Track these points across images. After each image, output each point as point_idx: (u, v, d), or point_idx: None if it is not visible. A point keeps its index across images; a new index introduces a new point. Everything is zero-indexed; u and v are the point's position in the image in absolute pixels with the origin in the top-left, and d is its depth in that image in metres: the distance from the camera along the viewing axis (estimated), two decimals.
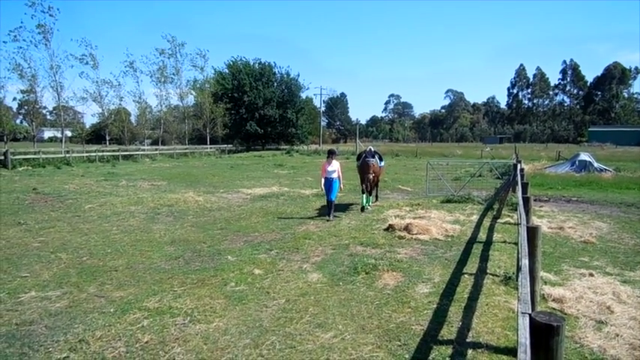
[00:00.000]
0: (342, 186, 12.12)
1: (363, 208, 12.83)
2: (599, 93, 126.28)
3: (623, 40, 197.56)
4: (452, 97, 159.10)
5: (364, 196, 12.97)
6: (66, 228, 10.29)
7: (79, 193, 16.15)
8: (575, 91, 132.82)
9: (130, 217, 11.59)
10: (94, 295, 6.01)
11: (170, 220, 11.41)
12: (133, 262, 7.58)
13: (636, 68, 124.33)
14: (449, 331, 4.93)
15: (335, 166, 11.64)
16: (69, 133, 59.96)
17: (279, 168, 30.47)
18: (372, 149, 13.34)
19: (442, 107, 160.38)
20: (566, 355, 4.33)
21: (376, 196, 14.52)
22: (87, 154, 36.79)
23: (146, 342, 4.65)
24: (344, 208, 13.19)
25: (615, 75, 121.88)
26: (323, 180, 11.72)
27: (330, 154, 11.86)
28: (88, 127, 64.23)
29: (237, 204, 14.09)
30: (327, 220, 11.24)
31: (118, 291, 6.19)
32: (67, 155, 34.17)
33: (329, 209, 11.64)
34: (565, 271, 7.14)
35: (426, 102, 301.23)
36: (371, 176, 12.44)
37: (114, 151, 40.58)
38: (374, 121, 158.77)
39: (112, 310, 5.49)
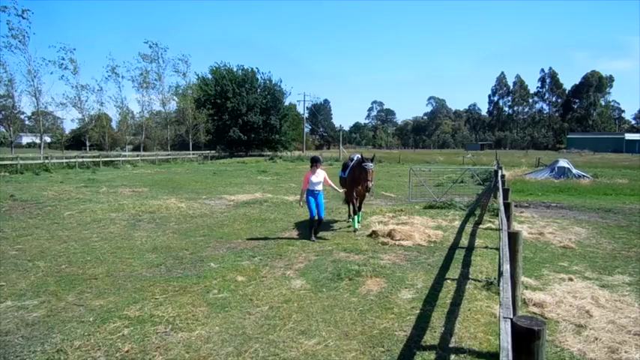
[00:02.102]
0: (342, 193, 11.08)
1: (352, 226, 11.11)
2: (577, 101, 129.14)
3: (601, 49, 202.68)
4: (434, 104, 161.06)
5: (355, 217, 11.06)
6: (44, 235, 10.08)
7: (58, 199, 15.86)
8: (554, 99, 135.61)
9: (110, 224, 11.41)
10: (72, 304, 5.89)
11: (152, 227, 11.27)
12: (113, 270, 7.46)
13: (610, 77, 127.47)
14: (432, 337, 4.95)
15: (321, 177, 9.90)
16: (48, 139, 58.91)
17: (263, 174, 30.37)
18: (360, 156, 10.96)
19: (424, 114, 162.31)
20: (547, 359, 4.38)
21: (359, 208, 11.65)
22: (66, 160, 36.20)
23: (126, 351, 4.57)
24: (327, 219, 12.73)
25: (593, 83, 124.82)
26: (305, 194, 9.93)
27: (315, 162, 9.97)
28: (67, 132, 63.43)
29: (220, 210, 13.99)
30: (312, 241, 9.58)
31: (98, 299, 6.07)
32: (46, 161, 33.61)
33: (311, 228, 9.95)
34: (545, 276, 7.24)
35: (409, 109, 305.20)
36: (370, 184, 10.25)
37: (94, 157, 40.04)
38: (357, 127, 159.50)
39: (91, 319, 5.38)
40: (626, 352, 4.46)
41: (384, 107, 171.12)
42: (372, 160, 10.45)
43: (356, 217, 11.01)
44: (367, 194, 11.51)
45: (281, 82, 69.66)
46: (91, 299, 6.09)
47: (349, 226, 11.38)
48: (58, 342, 4.75)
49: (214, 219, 12.41)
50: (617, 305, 5.83)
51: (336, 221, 12.37)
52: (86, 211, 13.16)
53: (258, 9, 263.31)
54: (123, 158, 42.40)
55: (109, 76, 51.77)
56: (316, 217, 9.86)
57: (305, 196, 9.93)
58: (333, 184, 10.42)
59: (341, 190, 11.00)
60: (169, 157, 49.30)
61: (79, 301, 6.03)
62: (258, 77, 68.75)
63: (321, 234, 10.27)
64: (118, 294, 6.30)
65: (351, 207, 11.37)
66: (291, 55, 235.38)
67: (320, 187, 9.86)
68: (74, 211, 13.16)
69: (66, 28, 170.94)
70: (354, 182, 10.68)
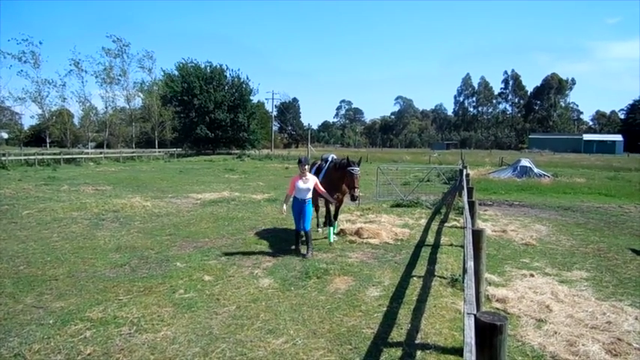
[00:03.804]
0: (334, 201, 9.24)
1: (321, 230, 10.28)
2: (538, 102, 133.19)
3: (562, 52, 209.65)
4: (401, 103, 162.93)
5: (331, 228, 9.65)
6: (0, 235, 9.69)
7: (15, 198, 15.29)
8: (517, 100, 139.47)
9: (72, 224, 11.07)
10: (31, 306, 5.69)
11: (115, 226, 10.99)
12: (74, 271, 7.24)
13: (572, 79, 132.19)
14: (398, 334, 5.01)
15: (310, 183, 8.36)
16: (5, 135, 56.81)
17: (230, 173, 30.06)
18: (334, 157, 10.07)
19: (392, 113, 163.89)
20: (509, 353, 4.51)
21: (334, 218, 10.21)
22: (25, 157, 34.92)
23: (89, 354, 4.44)
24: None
25: (553, 85, 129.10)
26: (290, 200, 8.55)
27: (302, 164, 8.35)
28: (26, 128, 61.23)
29: (187, 209, 13.77)
30: (303, 256, 8.17)
31: (58, 301, 5.89)
32: (3, 158, 32.31)
33: (297, 242, 8.52)
34: (508, 273, 7.44)
35: (377, 108, 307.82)
36: (358, 192, 8.76)
37: (55, 154, 38.79)
38: (325, 126, 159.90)
39: (51, 321, 5.21)
40: (583, 344, 4.63)
41: (353, 106, 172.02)
42: (358, 164, 8.98)
43: (332, 228, 9.63)
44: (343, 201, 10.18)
45: (249, 79, 68.95)
46: (51, 301, 5.89)
47: (317, 231, 10.38)
48: (16, 346, 4.58)
49: (181, 218, 12.21)
50: (575, 300, 6.05)
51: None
52: (46, 210, 12.71)
53: (226, 6, 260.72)
54: (85, 155, 41.25)
55: (71, 70, 50.28)
56: (301, 231, 8.40)
57: (291, 202, 8.55)
58: (326, 195, 8.82)
59: (333, 201, 9.23)
60: (134, 154, 48.18)
61: (38, 303, 5.83)
62: (227, 74, 67.89)
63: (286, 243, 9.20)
64: (79, 295, 6.12)
65: (321, 213, 10.50)
66: (260, 54, 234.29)
67: (309, 196, 8.37)
68: (33, 210, 12.71)
69: (27, 19, 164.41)
70: (333, 188, 9.22)
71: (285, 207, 8.61)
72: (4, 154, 33.83)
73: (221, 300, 6.00)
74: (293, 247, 8.72)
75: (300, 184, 8.27)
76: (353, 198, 8.90)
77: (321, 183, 8.96)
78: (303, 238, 8.45)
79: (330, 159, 10.00)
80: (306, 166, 8.36)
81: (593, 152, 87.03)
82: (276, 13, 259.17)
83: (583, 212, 14.17)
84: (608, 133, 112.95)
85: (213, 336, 4.90)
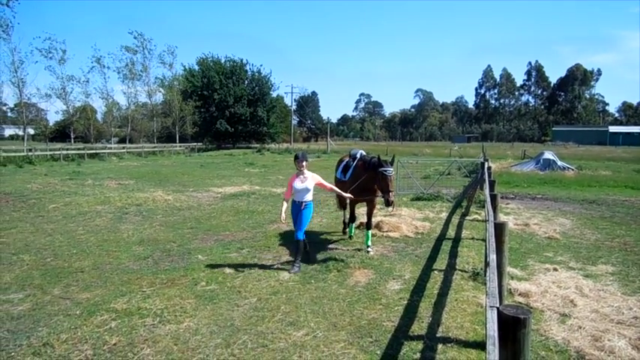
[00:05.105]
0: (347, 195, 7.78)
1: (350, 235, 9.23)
2: (562, 94, 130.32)
3: (586, 43, 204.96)
4: (421, 96, 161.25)
5: (351, 226, 9.22)
6: (29, 228, 9.95)
7: (42, 192, 15.65)
8: (540, 92, 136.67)
9: (96, 217, 11.30)
10: (58, 297, 5.84)
11: (138, 219, 11.18)
12: (99, 263, 7.40)
13: (598, 70, 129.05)
14: (419, 327, 5.00)
15: (309, 183, 7.09)
16: (31, 131, 58.08)
17: (250, 167, 30.25)
18: (363, 152, 8.85)
19: (412, 106, 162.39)
20: (532, 348, 4.45)
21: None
22: (51, 153, 35.71)
23: (114, 344, 4.54)
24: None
25: (577, 76, 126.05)
26: (289, 204, 7.30)
27: (300, 160, 7.12)
28: (51, 124, 62.63)
29: (208, 203, 13.92)
30: (291, 273, 6.87)
31: (84, 292, 6.03)
32: (30, 154, 33.15)
33: (296, 252, 7.18)
34: (531, 267, 7.34)
35: (396, 101, 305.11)
36: (392, 196, 7.55)
37: (79, 149, 39.51)
38: (345, 119, 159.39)
39: (77, 312, 5.34)
40: (609, 340, 4.54)
41: (372, 99, 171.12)
42: (391, 163, 7.82)
43: (366, 236, 8.42)
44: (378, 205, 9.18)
45: (270, 74, 69.29)
46: (78, 292, 6.03)
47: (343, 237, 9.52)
48: (45, 335, 4.71)
49: (202, 211, 12.35)
50: (601, 295, 5.94)
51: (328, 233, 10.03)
52: (71, 204, 13.00)
53: (243, 4, 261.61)
54: (108, 150, 41.97)
55: (93, 66, 51.11)
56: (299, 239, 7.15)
57: (290, 207, 7.30)
58: (337, 189, 7.85)
59: (347, 195, 7.80)
60: (156, 149, 48.86)
61: (65, 294, 5.98)
62: (247, 69, 68.24)
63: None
64: (104, 287, 6.26)
65: (347, 214, 9.39)
66: (279, 50, 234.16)
67: (308, 197, 7.14)
68: (59, 204, 13.00)
69: (49, 16, 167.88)
70: (361, 189, 7.99)
71: (284, 215, 7.17)
72: (30, 150, 34.66)
73: (242, 292, 6.06)
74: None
75: (297, 183, 7.07)
76: (387, 203, 7.59)
77: (348, 181, 8.29)
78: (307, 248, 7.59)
79: (358, 155, 8.71)
80: (304, 163, 7.12)
81: (619, 144, 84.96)
82: (293, 9, 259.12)
83: (608, 206, 13.86)
84: (635, 124, 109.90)
85: (234, 327, 4.96)
